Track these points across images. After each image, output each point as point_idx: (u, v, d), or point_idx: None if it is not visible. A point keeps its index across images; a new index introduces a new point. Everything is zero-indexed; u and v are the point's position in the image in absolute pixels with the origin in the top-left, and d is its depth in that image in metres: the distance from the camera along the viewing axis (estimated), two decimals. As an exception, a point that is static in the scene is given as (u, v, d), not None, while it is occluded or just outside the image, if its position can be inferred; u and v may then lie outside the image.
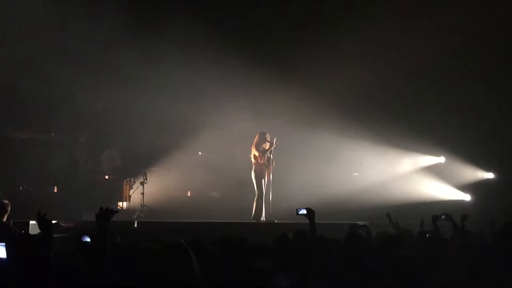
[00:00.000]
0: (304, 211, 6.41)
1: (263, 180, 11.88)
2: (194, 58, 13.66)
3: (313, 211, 6.36)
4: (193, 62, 13.68)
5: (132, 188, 13.56)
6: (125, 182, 13.48)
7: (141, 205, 13.18)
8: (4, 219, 7.49)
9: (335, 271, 4.53)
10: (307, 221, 6.44)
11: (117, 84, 13.26)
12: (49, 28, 12.42)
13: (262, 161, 11.84)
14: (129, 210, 13.38)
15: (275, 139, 11.84)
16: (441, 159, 14.68)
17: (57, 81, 12.70)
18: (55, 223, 9.85)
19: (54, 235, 7.03)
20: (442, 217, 7.09)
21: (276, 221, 11.73)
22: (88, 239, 5.72)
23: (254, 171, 11.94)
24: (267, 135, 11.99)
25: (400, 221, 7.93)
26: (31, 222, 9.34)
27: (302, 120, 14.15)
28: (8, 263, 4.12)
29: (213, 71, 13.58)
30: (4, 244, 4.35)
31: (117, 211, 4.58)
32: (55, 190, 13.20)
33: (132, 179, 13.59)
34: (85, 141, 13.71)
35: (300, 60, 13.83)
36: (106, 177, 13.91)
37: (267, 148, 11.90)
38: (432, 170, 14.58)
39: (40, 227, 4.44)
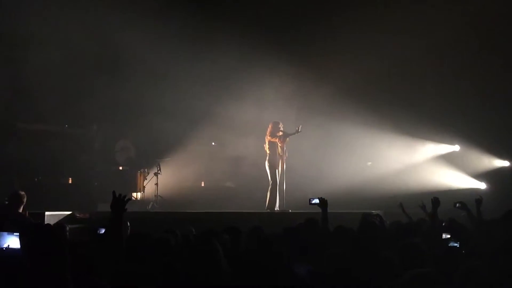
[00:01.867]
0: (317, 201, 6.39)
1: (277, 170, 11.88)
2: (209, 47, 13.65)
3: (326, 200, 6.34)
4: (208, 51, 13.67)
5: (146, 179, 13.61)
6: (139, 173, 13.53)
7: (155, 195, 13.24)
8: (20, 210, 7.58)
9: (349, 260, 4.52)
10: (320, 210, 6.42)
11: (131, 75, 13.29)
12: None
13: (283, 144, 11.84)
14: (143, 201, 13.44)
15: (300, 126, 11.82)
16: (456, 148, 14.59)
17: (71, 73, 12.75)
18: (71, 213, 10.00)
19: (69, 226, 7.08)
20: (457, 205, 7.05)
21: (290, 210, 11.74)
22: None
23: (268, 161, 11.94)
24: (280, 124, 12.00)
25: (415, 210, 7.83)
26: (47, 213, 9.43)
27: (316, 109, 14.10)
28: (22, 253, 4.14)
29: (230, 61, 13.57)
30: (18, 234, 4.36)
31: (130, 198, 4.56)
32: (70, 182, 13.29)
33: (146, 170, 13.64)
34: (96, 132, 13.76)
35: (315, 49, 13.79)
36: (120, 168, 13.97)
37: (279, 135, 11.89)
38: (446, 159, 14.49)
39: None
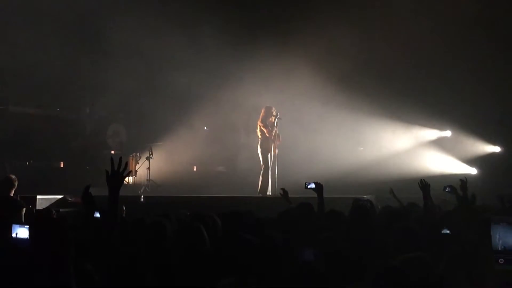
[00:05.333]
0: (312, 185, 6.42)
1: (269, 155, 11.89)
2: (202, 31, 13.58)
3: (322, 185, 6.37)
4: (201, 35, 13.60)
5: (138, 163, 13.59)
6: (131, 157, 13.50)
7: (147, 179, 13.23)
8: (11, 194, 7.55)
9: (342, 244, 4.54)
10: (312, 195, 6.44)
11: (123, 59, 13.21)
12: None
13: (270, 135, 11.83)
14: (135, 185, 13.44)
15: (278, 113, 11.82)
16: (447, 133, 14.65)
17: (64, 56, 12.67)
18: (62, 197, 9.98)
19: (61, 210, 7.06)
20: (447, 189, 7.09)
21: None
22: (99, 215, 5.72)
23: (260, 146, 11.94)
24: (273, 109, 11.97)
25: (406, 195, 7.87)
26: (38, 196, 9.41)
27: (308, 94, 14.09)
28: (31, 243, 4.17)
29: (221, 44, 13.50)
30: (27, 226, 4.43)
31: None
32: (62, 165, 13.26)
33: (138, 154, 13.63)
34: (88, 116, 13.72)
35: (307, 34, 13.74)
36: (112, 152, 13.95)
37: (273, 121, 11.89)
38: (438, 144, 14.56)
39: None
